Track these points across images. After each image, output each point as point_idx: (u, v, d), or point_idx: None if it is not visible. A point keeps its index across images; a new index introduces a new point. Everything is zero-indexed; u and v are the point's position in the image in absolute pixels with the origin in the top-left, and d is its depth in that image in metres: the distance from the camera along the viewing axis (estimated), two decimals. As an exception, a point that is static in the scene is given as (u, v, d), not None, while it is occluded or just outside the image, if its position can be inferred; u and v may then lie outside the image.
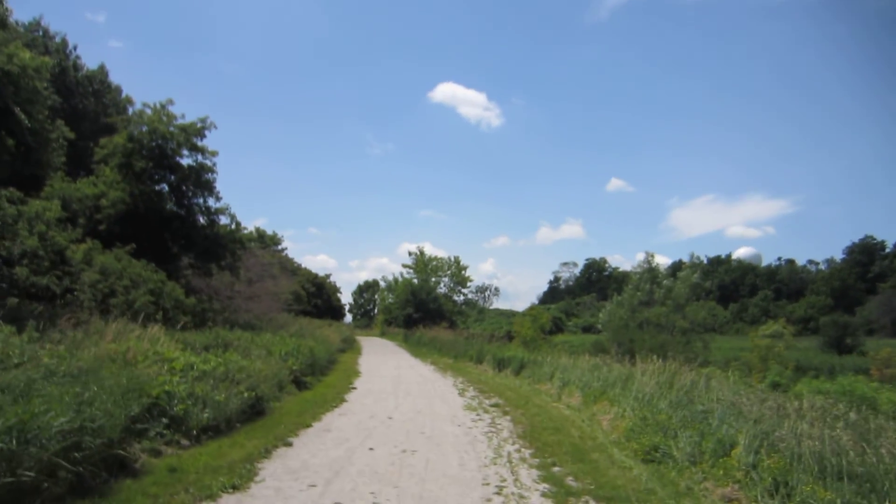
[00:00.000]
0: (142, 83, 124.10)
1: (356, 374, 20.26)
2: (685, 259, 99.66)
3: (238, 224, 38.76)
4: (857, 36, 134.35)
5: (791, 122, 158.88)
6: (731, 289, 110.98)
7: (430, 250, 63.73)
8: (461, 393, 15.37)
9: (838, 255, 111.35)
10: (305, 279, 50.84)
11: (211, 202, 24.77)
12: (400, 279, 62.91)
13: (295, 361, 15.54)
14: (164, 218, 22.42)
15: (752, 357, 24.70)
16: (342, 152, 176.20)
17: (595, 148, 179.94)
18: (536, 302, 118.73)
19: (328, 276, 65.16)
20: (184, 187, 23.95)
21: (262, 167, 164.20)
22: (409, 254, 63.45)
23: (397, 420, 10.82)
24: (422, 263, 62.43)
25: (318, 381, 17.27)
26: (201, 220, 24.94)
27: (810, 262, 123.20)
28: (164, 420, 7.87)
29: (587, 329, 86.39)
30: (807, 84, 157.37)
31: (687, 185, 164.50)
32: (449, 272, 64.20)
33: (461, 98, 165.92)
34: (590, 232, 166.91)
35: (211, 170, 24.07)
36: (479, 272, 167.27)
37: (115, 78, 25.42)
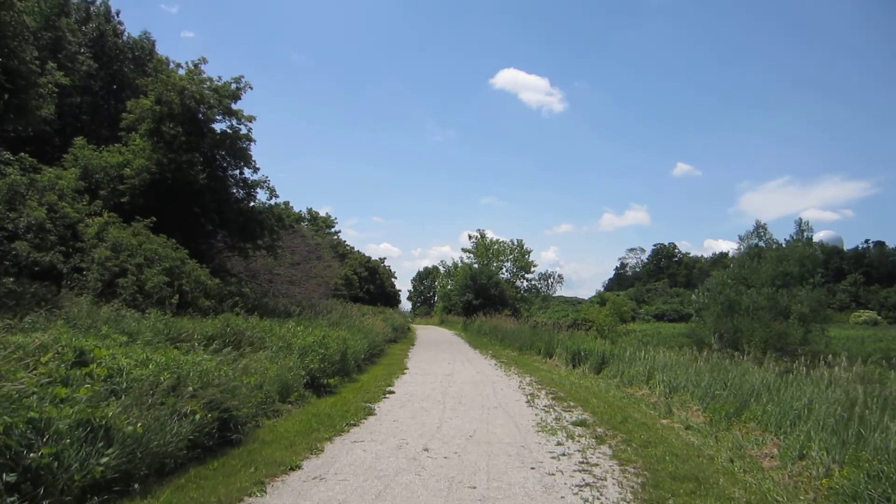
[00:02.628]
0: (212, 74, 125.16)
1: (401, 370, 16.75)
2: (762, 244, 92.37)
3: (287, 204, 35.81)
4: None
5: (870, 102, 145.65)
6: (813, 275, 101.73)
7: (492, 237, 59.54)
8: (530, 401, 11.52)
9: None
10: (358, 263, 47.85)
11: (247, 173, 22.32)
12: (460, 265, 59.34)
13: (314, 358, 12.06)
14: (194, 190, 19.66)
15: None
16: (404, 140, 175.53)
17: (660, 132, 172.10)
18: (602, 289, 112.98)
19: (382, 259, 62.14)
20: (217, 156, 21.32)
21: (327, 156, 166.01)
22: (470, 237, 59.77)
23: (437, 454, 7.08)
24: (483, 248, 58.64)
25: (351, 381, 13.84)
26: (236, 193, 22.29)
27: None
28: (11, 477, 4.41)
29: (659, 317, 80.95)
30: (885, 64, 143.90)
31: (759, 168, 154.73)
32: (511, 257, 60.15)
33: (522, 84, 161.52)
34: (655, 218, 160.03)
35: (248, 137, 21.58)
36: (542, 260, 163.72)
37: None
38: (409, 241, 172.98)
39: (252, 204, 22.75)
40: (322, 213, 50.86)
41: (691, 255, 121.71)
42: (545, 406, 10.91)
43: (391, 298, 57.58)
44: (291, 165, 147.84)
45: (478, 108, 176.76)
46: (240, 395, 7.61)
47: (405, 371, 16.66)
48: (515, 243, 60.20)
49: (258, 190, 22.94)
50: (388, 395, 11.91)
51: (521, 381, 14.65)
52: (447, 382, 14.23)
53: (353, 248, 51.58)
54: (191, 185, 19.50)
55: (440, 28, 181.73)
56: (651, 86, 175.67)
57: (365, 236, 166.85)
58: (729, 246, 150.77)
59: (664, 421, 9.61)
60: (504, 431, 8.51)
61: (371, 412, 9.86)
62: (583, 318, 49.10)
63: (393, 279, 62.72)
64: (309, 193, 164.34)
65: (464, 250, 59.26)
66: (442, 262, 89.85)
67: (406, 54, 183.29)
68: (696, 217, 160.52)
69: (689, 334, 20.91)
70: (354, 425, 8.67)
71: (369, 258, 53.32)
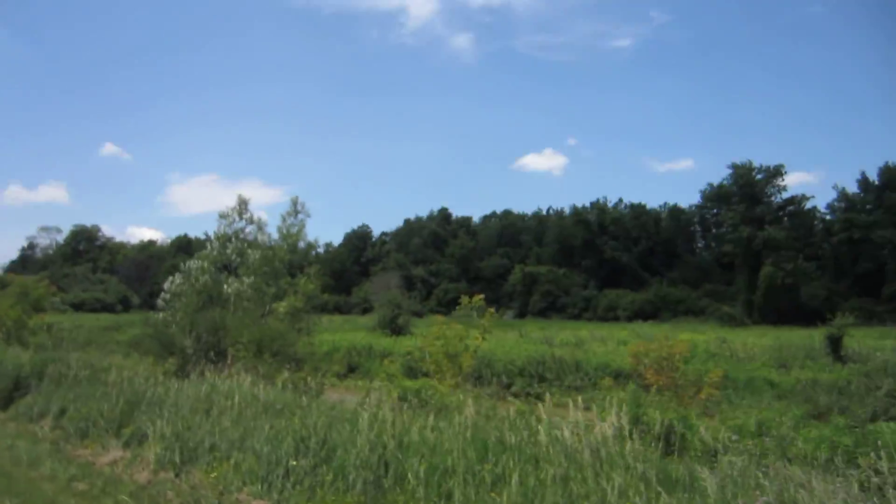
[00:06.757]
0: None
1: None
2: (194, 235, 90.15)
3: None
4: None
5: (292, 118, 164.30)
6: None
7: None
8: None
9: (335, 241, 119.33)
10: None
11: None
12: None
13: None
14: None
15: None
16: None
17: (89, 106, 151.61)
18: (1, 273, 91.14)
19: None
20: None
21: None
22: None
23: None
24: None
25: None
26: None
27: (309, 245, 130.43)
28: None
29: (78, 306, 69.16)
30: (306, 84, 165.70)
31: (190, 161, 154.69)
32: None
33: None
34: (76, 198, 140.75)
35: None
36: None
37: None
38: None
39: None
40: None
41: (116, 241, 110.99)
42: None
43: None
44: None
45: None
46: None
47: None
48: None
49: None
50: None
51: None
52: None
53: None
54: None
55: None
56: (86, 52, 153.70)
57: None
58: (155, 234, 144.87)
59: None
60: None
61: None
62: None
63: None
64: None
65: None
66: None
67: None
68: (122, 202, 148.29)
69: (154, 334, 15.32)
70: None
71: None
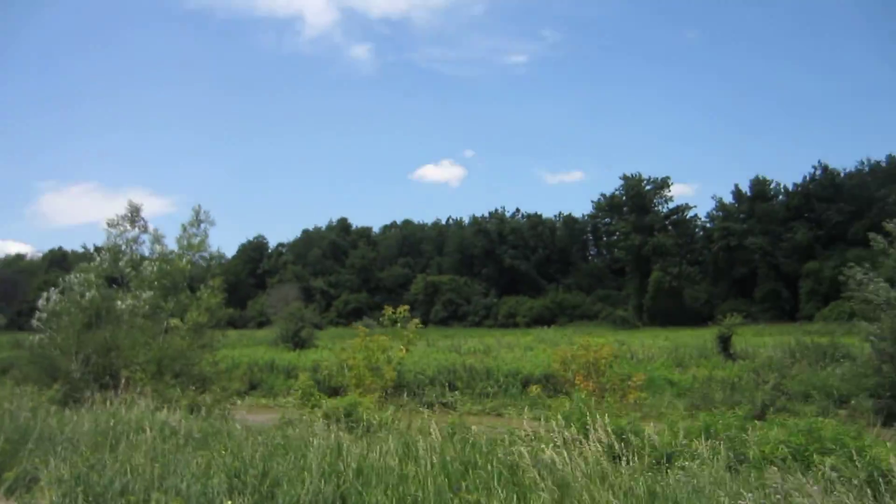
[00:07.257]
0: None
1: None
2: (70, 248, 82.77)
3: None
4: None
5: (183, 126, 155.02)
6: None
7: None
8: None
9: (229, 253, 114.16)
10: None
11: None
12: None
13: None
14: None
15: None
16: None
17: None
18: None
19: None
20: None
21: None
22: None
23: None
24: None
25: None
26: None
27: (202, 258, 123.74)
28: None
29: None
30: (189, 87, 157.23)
31: (66, 169, 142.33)
32: None
33: None
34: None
35: None
36: None
37: None
38: None
39: None
40: None
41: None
42: None
43: None
44: None
45: None
46: None
47: None
48: None
49: None
50: None
51: None
52: None
53: None
54: None
55: None
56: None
57: None
58: (24, 248, 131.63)
59: None
60: None
61: None
62: None
63: None
64: None
65: None
66: None
67: None
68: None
69: (32, 358, 13.55)
70: None
71: None
